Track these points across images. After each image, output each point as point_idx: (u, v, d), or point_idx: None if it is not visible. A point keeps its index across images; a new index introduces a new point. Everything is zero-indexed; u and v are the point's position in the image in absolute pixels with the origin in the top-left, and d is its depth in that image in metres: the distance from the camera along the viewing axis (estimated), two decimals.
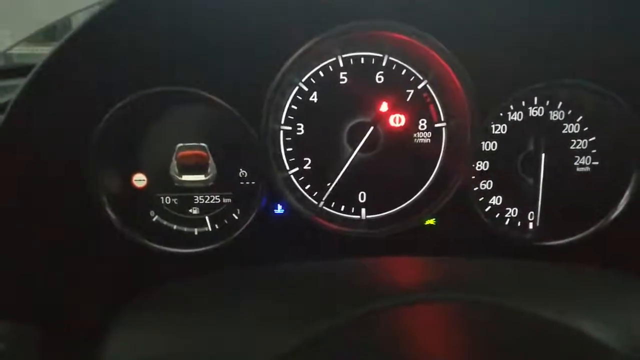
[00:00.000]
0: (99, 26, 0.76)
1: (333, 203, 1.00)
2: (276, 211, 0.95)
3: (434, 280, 0.79)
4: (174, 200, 0.97)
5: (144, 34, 0.82)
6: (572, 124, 0.96)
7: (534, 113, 0.96)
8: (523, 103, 0.95)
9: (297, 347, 0.56)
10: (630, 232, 0.95)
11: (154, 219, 0.98)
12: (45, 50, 0.82)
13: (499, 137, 0.97)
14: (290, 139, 0.96)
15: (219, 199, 0.97)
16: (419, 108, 0.95)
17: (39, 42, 1.07)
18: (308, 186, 0.98)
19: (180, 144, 0.94)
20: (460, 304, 0.64)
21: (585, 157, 0.97)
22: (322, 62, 0.92)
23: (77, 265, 0.87)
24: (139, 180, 0.95)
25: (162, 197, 0.97)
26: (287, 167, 0.97)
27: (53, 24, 0.94)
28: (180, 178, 0.95)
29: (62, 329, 0.82)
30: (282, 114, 0.94)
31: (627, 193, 0.95)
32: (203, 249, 0.94)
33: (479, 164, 0.98)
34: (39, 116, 0.80)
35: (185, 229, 0.99)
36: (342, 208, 1.00)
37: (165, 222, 0.98)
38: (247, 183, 0.97)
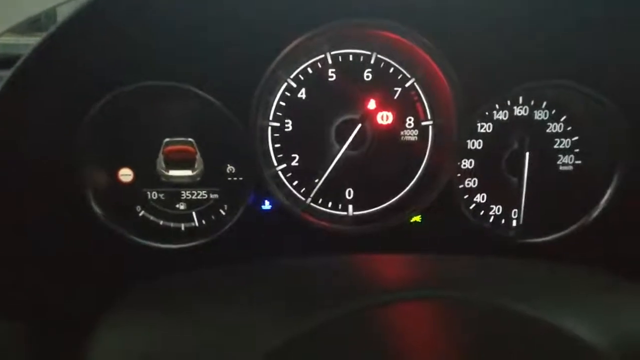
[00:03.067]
0: (87, 18, 0.75)
1: (320, 199, 1.00)
2: (263, 207, 0.95)
3: (418, 277, 0.80)
4: (161, 195, 0.96)
5: (132, 27, 0.81)
6: (556, 124, 0.98)
7: (519, 112, 0.97)
8: (508, 102, 0.96)
9: (283, 345, 0.56)
10: (612, 230, 0.96)
11: (141, 214, 0.97)
12: (29, 41, 0.81)
13: (484, 136, 0.98)
14: (278, 135, 0.96)
15: (206, 194, 0.97)
16: (406, 106, 0.96)
17: (23, 33, 1.05)
18: (295, 182, 0.99)
19: (167, 139, 0.93)
20: (445, 301, 0.65)
21: (569, 156, 0.99)
22: (310, 59, 0.92)
23: (62, 261, 0.86)
24: (125, 175, 0.95)
25: (148, 192, 0.96)
26: (275, 164, 0.97)
27: (38, 14, 0.92)
28: (167, 173, 0.94)
29: (49, 326, 0.81)
30: (270, 110, 0.94)
31: (609, 191, 0.96)
32: (190, 244, 0.94)
33: (465, 162, 0.99)
34: (23, 109, 0.79)
35: (172, 225, 0.98)
36: (330, 204, 1.01)
37: (151, 218, 0.97)
38: (235, 179, 0.97)
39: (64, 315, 0.81)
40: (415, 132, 0.97)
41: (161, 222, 0.98)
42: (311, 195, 0.98)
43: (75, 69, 0.81)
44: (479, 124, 0.97)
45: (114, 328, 0.65)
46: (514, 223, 1.02)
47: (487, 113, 0.96)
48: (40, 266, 0.85)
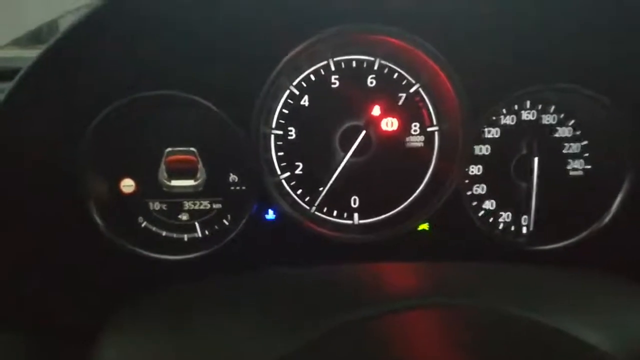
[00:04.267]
0: (88, 29, 0.75)
1: (325, 208, 0.99)
2: (267, 217, 0.94)
3: (427, 286, 0.79)
4: (163, 206, 0.95)
5: (133, 37, 0.81)
6: (564, 128, 0.97)
7: (527, 117, 0.96)
8: (515, 107, 0.95)
9: (288, 353, 0.55)
10: (624, 235, 0.95)
11: (143, 225, 0.96)
12: (31, 54, 0.81)
13: (492, 141, 0.97)
14: (281, 143, 0.95)
15: (209, 204, 0.96)
16: (411, 112, 0.95)
17: (24, 46, 1.06)
18: (300, 191, 0.97)
19: (169, 149, 0.93)
20: (453, 308, 0.63)
21: (578, 160, 0.98)
22: (313, 66, 0.92)
23: (65, 272, 0.86)
24: (127, 185, 0.94)
25: (150, 203, 0.95)
26: (279, 172, 0.96)
27: (40, 26, 0.93)
28: (169, 183, 0.93)
29: (50, 336, 0.80)
30: (273, 117, 0.93)
31: (619, 196, 0.94)
32: (193, 255, 0.93)
33: (472, 168, 0.98)
34: (25, 121, 0.79)
35: (175, 235, 0.97)
36: (335, 213, 0.99)
37: (154, 228, 0.96)
38: (238, 188, 0.96)
39: (66, 326, 0.81)
40: (421, 138, 0.96)
41: (164, 233, 0.97)
42: (316, 204, 0.97)
43: (77, 81, 0.81)
44: (486, 129, 0.96)
45: (115, 338, 0.64)
46: (524, 230, 1.00)
47: (494, 118, 0.95)
48: (42, 277, 0.84)
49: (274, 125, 0.93)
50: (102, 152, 0.88)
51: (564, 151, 0.97)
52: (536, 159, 0.94)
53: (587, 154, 0.97)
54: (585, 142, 0.97)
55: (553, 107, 0.96)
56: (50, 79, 0.78)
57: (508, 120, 0.96)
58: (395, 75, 0.93)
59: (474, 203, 0.99)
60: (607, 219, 0.96)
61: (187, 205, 0.96)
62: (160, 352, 0.61)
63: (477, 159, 0.97)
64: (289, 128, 0.94)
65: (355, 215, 0.99)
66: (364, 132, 0.93)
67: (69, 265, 0.86)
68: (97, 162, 0.89)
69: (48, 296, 0.86)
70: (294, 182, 0.97)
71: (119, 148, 0.92)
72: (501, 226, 1.01)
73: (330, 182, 0.95)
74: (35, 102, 0.79)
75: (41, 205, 0.84)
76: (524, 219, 1.00)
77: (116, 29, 0.79)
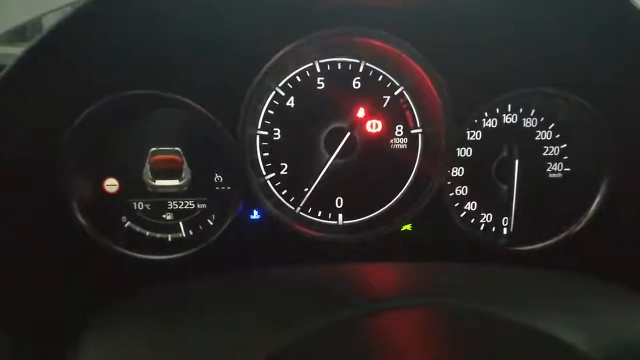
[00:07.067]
0: (72, 27, 0.75)
1: (310, 209, 0.99)
2: (252, 217, 0.94)
3: (409, 285, 0.80)
4: (147, 205, 0.95)
5: (118, 36, 0.80)
6: (544, 131, 0.98)
7: (508, 120, 0.97)
8: (497, 110, 0.97)
9: (273, 354, 0.55)
10: (600, 237, 0.97)
11: (126, 225, 0.95)
12: (15, 51, 0.80)
13: (474, 144, 0.98)
14: (267, 144, 0.95)
15: (193, 204, 0.96)
16: (395, 114, 0.96)
17: (8, 42, 1.05)
18: (285, 192, 0.98)
19: (154, 148, 0.92)
20: (432, 308, 0.64)
21: (557, 163, 1.00)
22: (299, 67, 0.92)
23: (47, 272, 0.85)
24: (111, 185, 0.93)
25: (134, 203, 0.95)
26: (264, 173, 0.96)
27: (23, 24, 0.92)
28: (153, 183, 0.93)
29: (32, 336, 0.79)
30: (259, 118, 0.94)
31: (597, 199, 0.96)
32: (177, 255, 0.92)
33: (455, 170, 0.99)
34: (8, 118, 0.78)
35: (159, 235, 0.97)
36: (319, 214, 1.00)
37: (137, 228, 0.96)
38: (223, 188, 0.96)
39: (48, 327, 0.80)
40: (405, 140, 0.97)
41: (147, 233, 0.96)
42: (301, 204, 0.98)
43: (61, 79, 0.80)
44: (468, 132, 0.97)
45: (97, 339, 0.64)
46: (505, 231, 1.02)
47: (476, 121, 0.97)
48: (25, 277, 0.83)
49: (259, 126, 0.94)
50: (85, 152, 0.88)
51: (544, 154, 0.99)
52: (516, 162, 0.96)
53: (566, 157, 0.99)
54: (564, 145, 0.99)
55: (533, 111, 0.97)
56: (34, 76, 0.77)
57: (489, 123, 0.97)
58: (380, 77, 0.94)
59: (456, 204, 1.01)
60: (585, 221, 0.97)
61: (172, 205, 0.95)
62: (141, 354, 0.61)
63: (459, 161, 0.98)
64: (275, 129, 0.94)
65: (340, 215, 1.00)
66: (348, 134, 0.94)
67: (52, 265, 0.85)
68: (81, 162, 0.88)
69: (30, 296, 0.85)
70: (279, 183, 0.97)
71: (102, 147, 0.91)
72: (482, 227, 1.02)
73: (315, 183, 0.96)
74: (18, 101, 0.78)
75: (24, 204, 0.83)
76: (504, 220, 1.01)
77: (102, 28, 0.78)
